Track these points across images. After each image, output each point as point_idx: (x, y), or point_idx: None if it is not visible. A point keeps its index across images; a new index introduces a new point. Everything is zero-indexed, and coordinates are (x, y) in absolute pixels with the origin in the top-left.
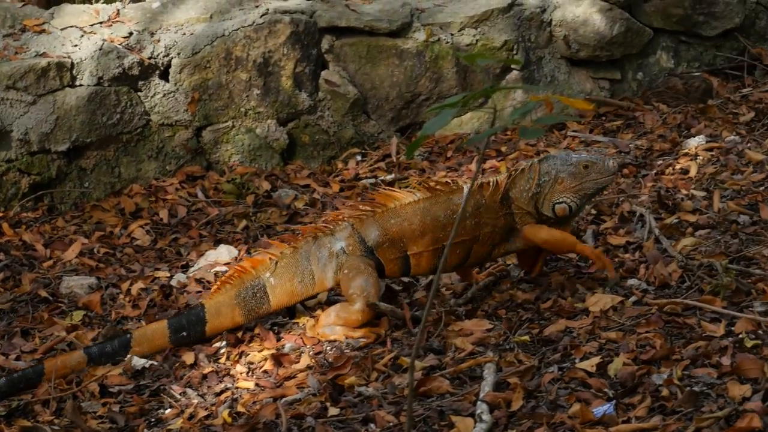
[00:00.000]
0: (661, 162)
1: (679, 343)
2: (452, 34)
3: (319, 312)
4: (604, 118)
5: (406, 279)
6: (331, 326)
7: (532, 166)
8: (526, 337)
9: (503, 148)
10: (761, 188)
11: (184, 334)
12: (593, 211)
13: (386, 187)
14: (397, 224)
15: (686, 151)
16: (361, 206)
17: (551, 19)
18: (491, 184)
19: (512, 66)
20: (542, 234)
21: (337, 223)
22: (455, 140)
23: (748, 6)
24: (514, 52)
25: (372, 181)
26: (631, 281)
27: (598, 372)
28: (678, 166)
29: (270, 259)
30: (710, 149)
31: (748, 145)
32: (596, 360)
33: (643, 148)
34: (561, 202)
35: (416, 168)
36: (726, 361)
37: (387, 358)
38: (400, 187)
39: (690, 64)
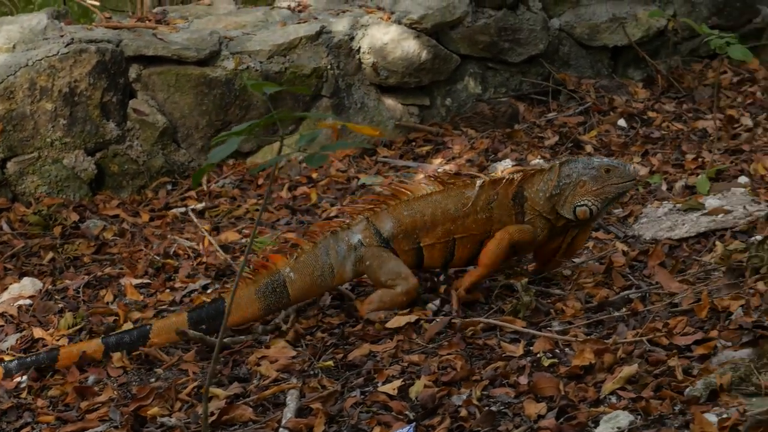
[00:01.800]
0: None
1: (480, 363)
2: (261, 62)
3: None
4: (413, 143)
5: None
6: (375, 311)
7: (552, 168)
8: (330, 363)
9: (314, 175)
10: None
11: (204, 327)
12: None
13: (400, 182)
14: (410, 216)
15: (493, 174)
16: (375, 199)
17: (360, 47)
18: (505, 180)
19: (305, 92)
20: (502, 242)
21: (353, 217)
22: (266, 168)
23: (552, 33)
24: (324, 79)
25: (182, 210)
26: (433, 303)
27: (400, 395)
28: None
29: (290, 254)
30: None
31: None
32: (398, 383)
33: (451, 173)
34: (582, 205)
35: (227, 196)
36: (523, 380)
37: (190, 387)
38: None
39: (497, 89)
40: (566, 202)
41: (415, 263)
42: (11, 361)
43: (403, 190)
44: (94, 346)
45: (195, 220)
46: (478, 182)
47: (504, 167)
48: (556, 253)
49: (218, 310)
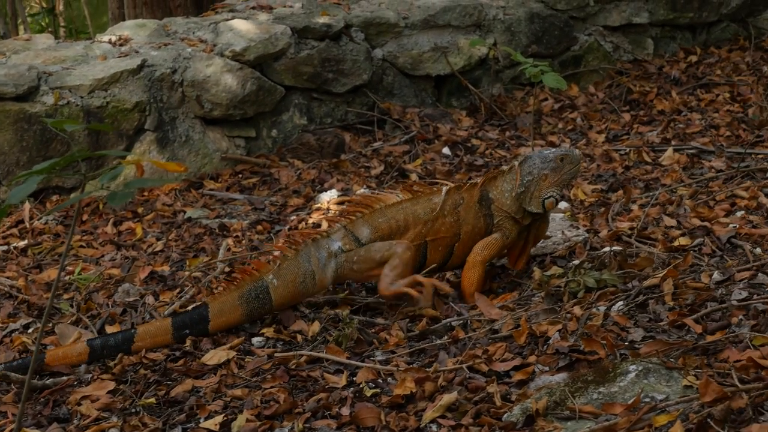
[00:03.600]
0: (294, 217)
1: (303, 395)
2: (82, 97)
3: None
4: (240, 175)
5: None
6: (393, 283)
7: (512, 168)
8: (152, 399)
9: (140, 210)
10: None
11: (187, 331)
12: (227, 268)
13: (372, 192)
14: (386, 222)
15: (319, 205)
16: (350, 209)
17: (182, 80)
18: (468, 184)
19: (104, 129)
20: (475, 268)
21: (330, 226)
22: (91, 203)
23: (375, 63)
24: (147, 113)
25: (5, 248)
26: (256, 339)
27: (222, 430)
28: (311, 221)
29: (273, 261)
30: (341, 203)
31: None
32: (220, 418)
33: (277, 204)
34: (549, 197)
35: (50, 233)
36: (345, 411)
37: (8, 429)
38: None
39: (323, 120)
40: (533, 197)
41: None
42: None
43: (374, 199)
44: (80, 348)
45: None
46: (444, 189)
47: (329, 197)
48: (525, 248)
49: (201, 316)
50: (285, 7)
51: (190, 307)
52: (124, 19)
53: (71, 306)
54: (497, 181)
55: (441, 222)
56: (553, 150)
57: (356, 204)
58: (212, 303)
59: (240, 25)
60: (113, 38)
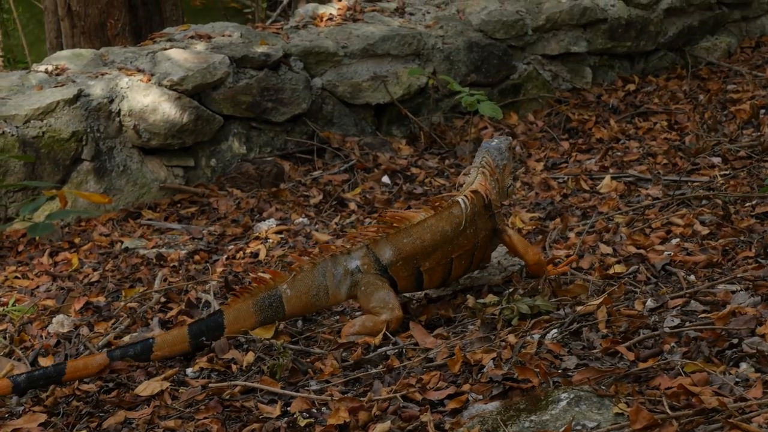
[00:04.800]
0: (232, 247)
1: (236, 426)
2: (17, 127)
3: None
4: (179, 205)
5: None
6: (356, 335)
7: (486, 165)
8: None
9: (77, 240)
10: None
11: (204, 339)
12: (162, 299)
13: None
14: (410, 243)
15: (257, 234)
16: (374, 229)
17: (120, 109)
18: (477, 192)
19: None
20: (538, 259)
21: (353, 244)
22: (26, 234)
23: (315, 92)
24: (84, 142)
25: None
26: (189, 369)
27: None
28: (248, 250)
29: (289, 272)
30: (280, 232)
31: (316, 226)
32: None
33: (216, 234)
34: (510, 185)
35: None
36: None
37: None
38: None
39: (262, 149)
40: (501, 189)
41: (414, 287)
42: (19, 375)
43: (399, 217)
44: (100, 359)
45: None
46: (461, 200)
47: (268, 227)
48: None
49: (217, 323)
50: (223, 36)
51: (204, 315)
52: (62, 49)
53: (4, 338)
54: (488, 183)
55: (463, 236)
56: (496, 141)
57: (382, 223)
58: (227, 310)
59: (178, 54)
60: (50, 68)
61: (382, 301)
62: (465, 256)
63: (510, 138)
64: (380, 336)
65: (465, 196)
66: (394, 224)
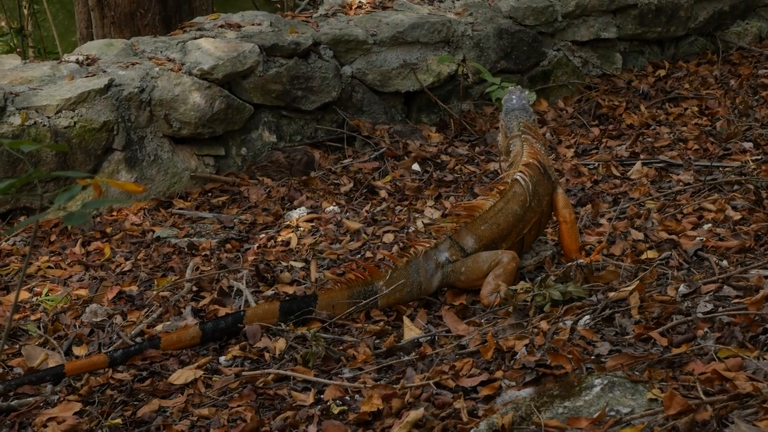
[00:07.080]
0: (263, 235)
1: (270, 414)
2: (49, 117)
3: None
4: (210, 194)
5: None
6: (494, 291)
7: (526, 130)
8: (119, 420)
9: (109, 229)
10: (358, 256)
11: (292, 318)
12: (195, 288)
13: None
14: (488, 229)
15: (288, 223)
16: (454, 220)
17: (150, 99)
18: (531, 162)
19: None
20: (573, 226)
21: (437, 237)
22: (59, 224)
23: (344, 80)
24: (115, 132)
25: None
26: (222, 358)
27: None
28: (280, 239)
29: (385, 269)
30: (311, 220)
31: (347, 214)
32: None
33: (247, 223)
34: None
35: (18, 254)
36: (312, 429)
37: None
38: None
39: (292, 137)
40: (543, 144)
41: None
42: (117, 350)
43: (471, 207)
44: (192, 332)
45: None
46: (519, 177)
47: (299, 215)
48: None
49: (308, 305)
50: (253, 25)
51: (299, 295)
52: (92, 39)
53: (38, 327)
54: (534, 145)
55: (530, 210)
56: (515, 99)
57: (457, 214)
58: (322, 296)
59: (208, 43)
60: (80, 58)
61: (490, 256)
62: (534, 227)
63: (520, 86)
64: (515, 275)
65: (521, 171)
66: (469, 214)
